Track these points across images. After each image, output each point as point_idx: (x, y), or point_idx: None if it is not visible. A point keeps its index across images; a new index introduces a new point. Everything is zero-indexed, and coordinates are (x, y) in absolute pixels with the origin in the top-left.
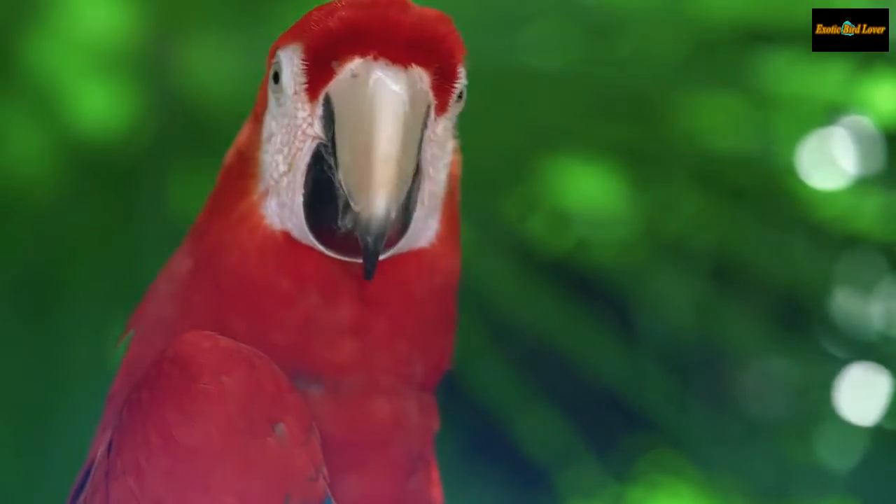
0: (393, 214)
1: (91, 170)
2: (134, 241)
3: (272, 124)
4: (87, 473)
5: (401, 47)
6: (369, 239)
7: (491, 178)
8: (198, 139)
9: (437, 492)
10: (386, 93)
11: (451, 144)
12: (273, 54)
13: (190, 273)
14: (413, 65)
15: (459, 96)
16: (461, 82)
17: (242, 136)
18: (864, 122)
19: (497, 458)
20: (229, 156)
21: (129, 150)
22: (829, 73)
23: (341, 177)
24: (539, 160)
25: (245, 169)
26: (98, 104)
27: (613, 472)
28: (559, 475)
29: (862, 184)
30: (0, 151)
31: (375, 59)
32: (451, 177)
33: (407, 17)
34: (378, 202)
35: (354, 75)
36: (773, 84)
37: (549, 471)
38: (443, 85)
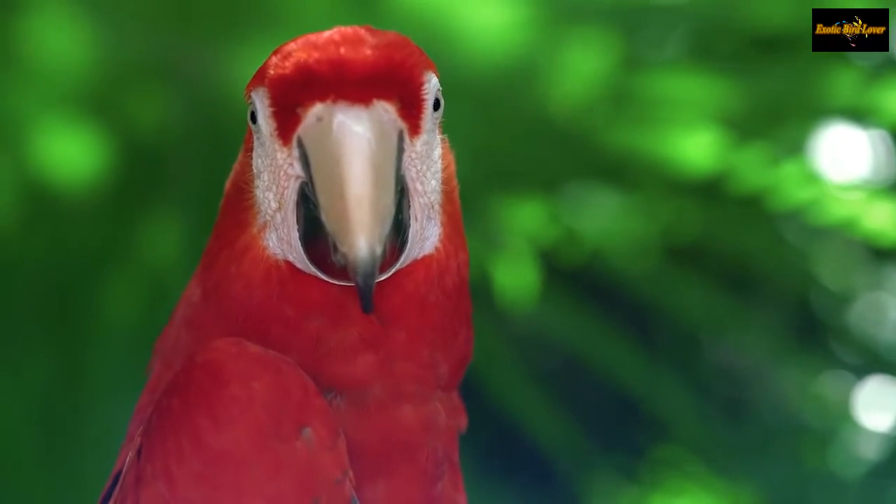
0: (378, 251)
1: (130, 169)
2: (158, 257)
3: (258, 161)
4: (114, 484)
5: (359, 86)
6: (359, 279)
7: (509, 188)
8: (217, 150)
9: (462, 499)
10: (350, 135)
11: (437, 151)
12: (248, 95)
13: (200, 301)
14: (375, 100)
15: (436, 106)
16: (429, 101)
17: (238, 165)
18: (880, 128)
19: (515, 463)
20: (228, 185)
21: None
22: (843, 79)
23: (323, 219)
24: (555, 171)
25: (243, 201)
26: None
27: (631, 478)
28: (577, 481)
29: (877, 192)
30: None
31: (335, 102)
32: (445, 177)
33: (361, 54)
34: (360, 244)
35: (319, 119)
36: (783, 90)
37: (567, 476)
38: (411, 109)
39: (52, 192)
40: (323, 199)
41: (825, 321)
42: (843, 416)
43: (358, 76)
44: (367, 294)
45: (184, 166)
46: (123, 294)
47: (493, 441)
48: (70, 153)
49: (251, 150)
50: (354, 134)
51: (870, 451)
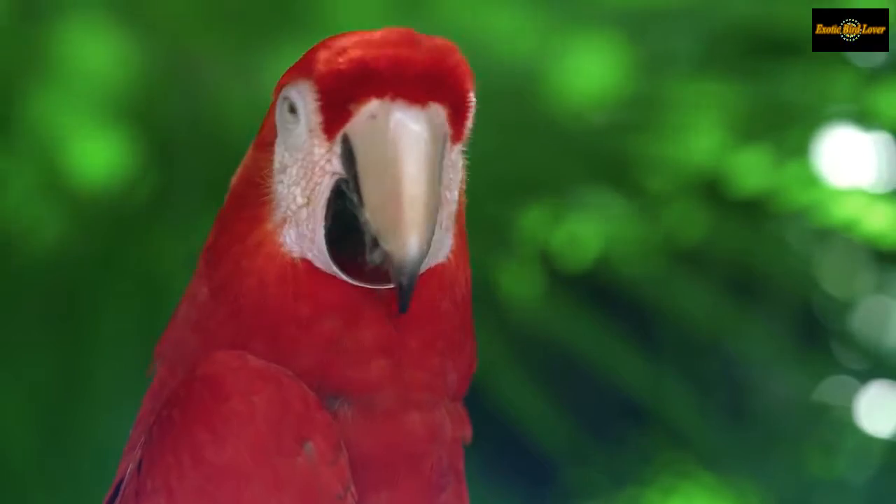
0: (427, 250)
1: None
2: (159, 267)
3: (285, 156)
4: (115, 494)
5: (417, 86)
6: (403, 279)
7: (513, 191)
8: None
9: None
10: (408, 134)
11: (460, 161)
12: (280, 88)
13: (207, 300)
14: (431, 102)
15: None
16: (473, 108)
17: (249, 161)
18: (882, 131)
19: (517, 467)
20: (237, 181)
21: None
22: (845, 82)
23: (368, 217)
24: (559, 175)
25: (257, 197)
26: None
27: (634, 482)
28: (579, 484)
29: (880, 195)
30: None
31: (392, 99)
32: (459, 190)
33: (420, 54)
34: (411, 243)
35: (373, 116)
36: (786, 93)
37: (569, 480)
38: (458, 115)
39: (64, 193)
40: (372, 198)
41: (828, 325)
42: (846, 421)
43: (417, 75)
44: (409, 293)
45: (193, 172)
46: (127, 296)
47: (494, 445)
48: (90, 157)
49: (269, 144)
50: (412, 133)
51: (873, 457)
